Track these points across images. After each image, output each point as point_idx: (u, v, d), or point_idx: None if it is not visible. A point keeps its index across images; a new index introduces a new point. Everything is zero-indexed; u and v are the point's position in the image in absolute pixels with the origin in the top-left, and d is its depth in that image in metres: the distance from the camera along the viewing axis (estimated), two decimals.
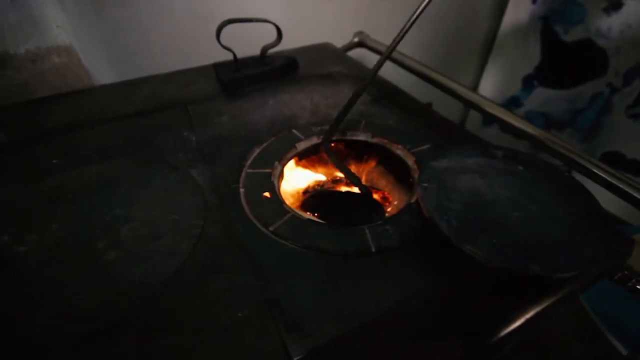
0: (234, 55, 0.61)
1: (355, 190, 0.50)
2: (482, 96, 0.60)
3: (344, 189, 0.52)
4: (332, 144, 0.52)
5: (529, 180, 0.36)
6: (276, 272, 0.32)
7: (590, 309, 0.55)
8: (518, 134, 0.54)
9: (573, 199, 0.35)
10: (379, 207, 0.47)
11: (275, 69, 0.64)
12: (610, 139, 0.95)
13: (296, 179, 0.51)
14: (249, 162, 0.45)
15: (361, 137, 0.50)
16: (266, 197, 0.40)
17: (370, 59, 0.87)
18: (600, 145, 0.98)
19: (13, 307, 0.30)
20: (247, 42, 0.60)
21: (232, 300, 0.30)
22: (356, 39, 0.82)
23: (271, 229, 0.36)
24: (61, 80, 0.61)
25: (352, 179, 0.45)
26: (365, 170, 0.54)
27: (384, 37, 0.81)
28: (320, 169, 0.54)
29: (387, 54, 0.43)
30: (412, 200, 0.40)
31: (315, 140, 0.50)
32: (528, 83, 1.07)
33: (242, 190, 0.41)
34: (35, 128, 0.53)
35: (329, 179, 0.53)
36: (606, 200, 0.42)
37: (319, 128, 0.50)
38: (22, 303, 0.31)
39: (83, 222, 0.37)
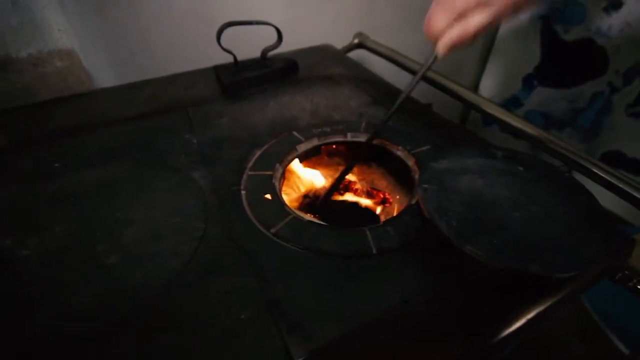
0: (234, 57, 0.61)
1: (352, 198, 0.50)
2: (481, 96, 0.60)
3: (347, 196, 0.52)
4: (334, 146, 0.53)
5: (529, 180, 0.36)
6: (277, 274, 0.32)
7: (592, 308, 0.55)
8: (518, 134, 0.54)
9: (573, 199, 0.35)
10: (373, 216, 0.47)
11: (276, 71, 0.64)
12: (611, 138, 0.95)
13: (297, 182, 0.52)
14: (250, 164, 0.45)
15: (362, 138, 0.50)
16: (267, 199, 0.40)
17: (370, 60, 0.88)
18: (600, 145, 0.98)
19: (14, 308, 0.31)
20: (248, 44, 0.61)
21: (233, 302, 0.30)
22: (356, 40, 0.83)
23: (272, 230, 0.36)
24: (63, 83, 0.61)
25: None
26: (365, 172, 0.54)
27: (384, 38, 0.81)
28: (321, 171, 0.54)
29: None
30: (413, 202, 0.40)
31: (315, 142, 0.50)
32: (528, 83, 1.07)
33: (243, 192, 0.41)
34: (37, 131, 0.53)
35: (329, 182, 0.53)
36: (607, 199, 0.42)
37: (319, 130, 0.51)
38: (22, 303, 0.31)
39: (84, 224, 0.37)
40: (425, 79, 0.67)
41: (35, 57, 0.57)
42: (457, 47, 0.37)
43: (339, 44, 0.82)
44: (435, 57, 0.38)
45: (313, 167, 0.54)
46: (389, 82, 0.66)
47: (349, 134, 0.51)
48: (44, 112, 0.57)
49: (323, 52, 0.77)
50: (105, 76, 0.68)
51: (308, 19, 0.85)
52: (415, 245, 0.35)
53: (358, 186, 0.51)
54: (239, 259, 0.34)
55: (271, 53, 0.65)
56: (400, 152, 0.48)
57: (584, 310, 0.55)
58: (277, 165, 0.45)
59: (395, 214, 0.46)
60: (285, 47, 0.65)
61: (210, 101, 0.59)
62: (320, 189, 0.50)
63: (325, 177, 0.54)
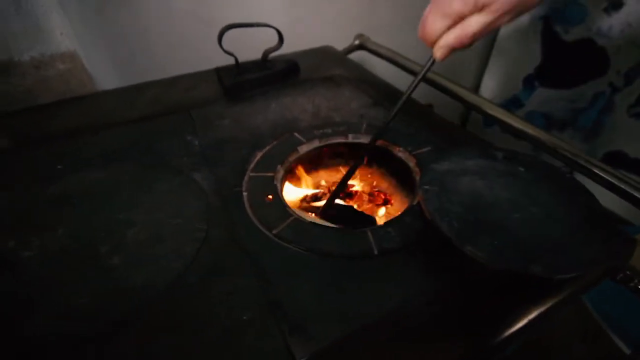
0: (236, 59, 0.62)
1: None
2: (482, 97, 0.60)
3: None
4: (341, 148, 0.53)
5: (530, 181, 0.37)
6: (279, 275, 0.33)
7: (593, 309, 0.55)
8: (518, 135, 0.54)
9: (574, 200, 0.35)
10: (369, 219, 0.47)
11: (277, 73, 0.65)
12: (612, 139, 0.95)
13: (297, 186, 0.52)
14: (251, 165, 0.45)
15: (363, 139, 0.51)
16: (269, 200, 0.40)
17: (370, 61, 0.88)
18: (602, 145, 0.98)
19: (14, 308, 0.31)
20: (249, 46, 0.61)
21: (235, 303, 0.30)
22: (357, 42, 0.83)
23: (274, 231, 0.36)
24: (65, 86, 0.61)
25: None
26: (366, 173, 0.54)
27: (384, 39, 0.81)
28: (322, 172, 0.54)
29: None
30: (414, 203, 0.40)
31: (317, 143, 0.50)
32: (529, 83, 1.07)
33: (245, 193, 0.41)
34: (39, 134, 0.53)
35: (328, 185, 0.53)
36: (608, 200, 0.42)
37: (321, 131, 0.51)
38: (22, 303, 0.31)
39: (87, 226, 0.38)
40: (425, 80, 0.68)
41: (38, 60, 0.58)
42: (454, 51, 0.36)
43: (340, 45, 0.82)
44: (433, 61, 0.37)
45: (315, 168, 0.54)
46: (389, 83, 0.66)
47: (350, 136, 0.51)
48: (47, 114, 0.58)
49: (324, 54, 0.78)
50: (107, 78, 0.69)
51: (309, 21, 0.85)
52: (416, 246, 0.35)
53: (359, 188, 0.52)
54: (241, 260, 0.34)
55: (272, 55, 0.65)
56: (401, 153, 0.48)
57: (585, 310, 0.55)
58: (279, 166, 0.45)
59: (396, 215, 0.47)
60: (286, 49, 0.65)
61: (211, 103, 0.59)
62: (323, 189, 0.50)
63: (326, 179, 0.54)
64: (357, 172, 0.53)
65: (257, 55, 0.65)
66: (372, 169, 0.54)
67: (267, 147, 0.48)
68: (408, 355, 0.28)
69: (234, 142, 0.50)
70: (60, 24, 0.58)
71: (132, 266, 0.33)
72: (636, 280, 0.37)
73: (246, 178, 0.44)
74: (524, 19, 1.01)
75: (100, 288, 0.32)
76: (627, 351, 0.51)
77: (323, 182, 0.54)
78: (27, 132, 0.54)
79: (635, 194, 0.42)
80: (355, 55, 0.83)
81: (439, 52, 0.36)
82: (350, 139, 0.51)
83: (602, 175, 0.45)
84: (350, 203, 0.50)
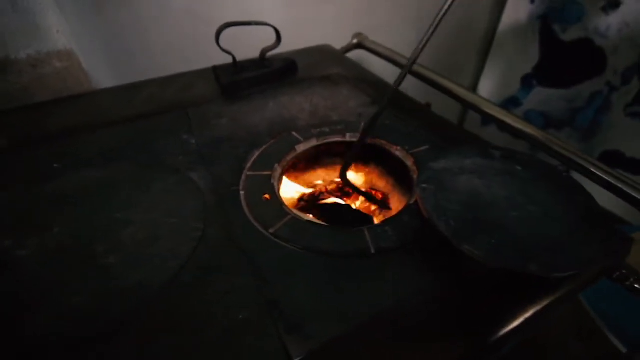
0: (234, 58, 0.61)
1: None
2: (480, 97, 0.60)
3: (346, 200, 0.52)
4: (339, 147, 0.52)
5: (527, 180, 0.37)
6: (276, 274, 0.32)
7: (590, 307, 0.55)
8: (516, 134, 0.54)
9: (571, 199, 0.35)
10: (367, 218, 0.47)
11: (275, 72, 0.64)
12: (609, 138, 0.95)
13: (293, 186, 0.52)
14: (248, 164, 0.45)
15: None
16: (266, 199, 0.40)
17: (369, 60, 0.88)
18: (599, 144, 0.98)
19: (14, 308, 0.31)
20: (247, 45, 0.61)
21: (232, 302, 0.30)
22: (355, 41, 0.83)
23: (271, 230, 0.36)
24: (62, 84, 0.61)
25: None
26: (364, 172, 0.54)
27: (382, 38, 0.81)
28: (320, 171, 0.54)
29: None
30: (411, 201, 0.40)
31: (314, 142, 0.50)
32: (527, 83, 1.07)
33: (242, 192, 0.41)
34: (36, 132, 0.53)
35: (326, 184, 0.53)
36: (605, 199, 0.42)
37: (318, 130, 0.51)
38: (22, 303, 0.31)
39: (84, 225, 0.38)
40: (424, 79, 0.68)
41: (34, 58, 0.57)
42: None
43: (338, 44, 0.82)
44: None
45: (311, 168, 0.54)
46: (387, 82, 0.66)
47: (347, 134, 0.51)
48: (43, 113, 0.57)
49: (322, 53, 0.77)
50: (104, 77, 0.68)
51: (307, 20, 0.85)
52: (413, 245, 0.35)
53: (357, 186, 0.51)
54: (237, 259, 0.34)
55: (270, 53, 0.65)
56: (399, 152, 0.48)
57: (582, 309, 0.56)
58: (276, 165, 0.45)
59: (393, 213, 0.47)
60: (284, 48, 0.65)
61: (209, 102, 0.59)
62: (319, 189, 0.50)
63: (324, 177, 0.54)
64: (353, 171, 0.53)
65: (254, 53, 0.65)
66: (370, 167, 0.54)
67: (265, 146, 0.48)
68: (406, 354, 0.28)
69: (231, 140, 0.49)
70: (56, 22, 0.57)
71: (129, 265, 0.33)
72: (632, 279, 0.37)
73: (243, 177, 0.43)
74: (523, 18, 1.01)
75: (99, 288, 0.32)
76: (623, 350, 0.51)
77: (320, 182, 0.54)
78: (24, 131, 0.53)
79: (632, 193, 0.42)
80: (354, 54, 0.83)
81: None
82: (348, 138, 0.51)
83: (599, 174, 0.45)
84: (348, 202, 0.50)
